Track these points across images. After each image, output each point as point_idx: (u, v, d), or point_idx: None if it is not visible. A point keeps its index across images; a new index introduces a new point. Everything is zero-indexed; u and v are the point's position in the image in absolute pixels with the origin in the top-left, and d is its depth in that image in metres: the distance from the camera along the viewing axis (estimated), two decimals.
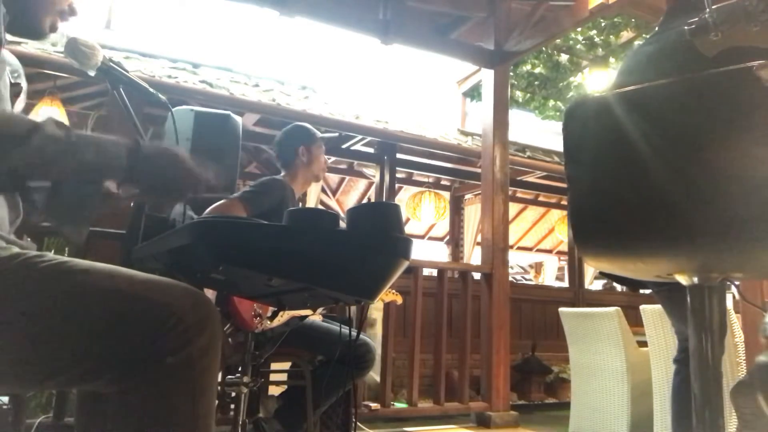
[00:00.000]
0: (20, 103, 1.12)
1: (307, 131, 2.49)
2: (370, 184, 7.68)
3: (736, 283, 1.38)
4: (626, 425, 3.10)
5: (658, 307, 2.64)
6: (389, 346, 3.56)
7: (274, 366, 2.40)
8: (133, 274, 0.88)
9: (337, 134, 5.66)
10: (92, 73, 1.27)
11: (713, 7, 0.79)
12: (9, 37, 1.03)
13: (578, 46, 6.48)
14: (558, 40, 6.01)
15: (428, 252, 9.10)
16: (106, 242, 2.93)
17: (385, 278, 0.90)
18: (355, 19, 3.99)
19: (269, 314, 1.91)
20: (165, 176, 0.90)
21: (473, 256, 7.41)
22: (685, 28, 0.81)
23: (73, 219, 0.84)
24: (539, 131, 7.92)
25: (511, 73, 6.07)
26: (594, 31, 6.27)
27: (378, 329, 4.13)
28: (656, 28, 1.43)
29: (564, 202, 7.88)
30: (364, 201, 7.96)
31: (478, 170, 4.56)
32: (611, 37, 6.17)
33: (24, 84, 1.12)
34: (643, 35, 5.92)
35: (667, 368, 2.76)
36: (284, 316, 2.03)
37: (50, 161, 0.80)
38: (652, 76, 1.18)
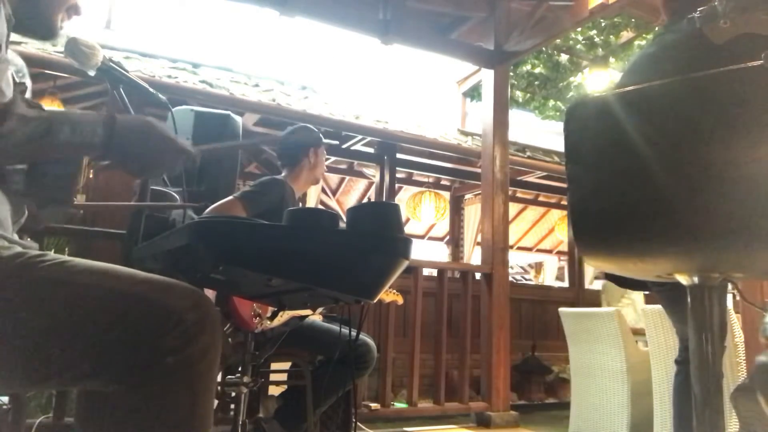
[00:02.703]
0: None
1: (316, 133, 2.49)
2: (370, 184, 7.68)
3: (737, 283, 1.38)
4: (626, 425, 3.10)
5: (658, 307, 2.63)
6: (389, 346, 3.56)
7: (274, 366, 2.40)
8: (134, 274, 0.88)
9: (337, 142, 5.68)
10: (92, 73, 1.27)
11: None
12: (12, 36, 1.03)
13: (578, 46, 6.47)
14: (558, 40, 6.01)
15: (428, 252, 9.10)
16: (106, 242, 2.93)
17: (385, 278, 0.90)
18: (355, 19, 3.99)
19: (269, 314, 1.91)
20: (142, 149, 0.89)
21: (473, 256, 7.41)
22: (695, 15, 0.81)
23: (54, 198, 0.83)
24: (539, 131, 7.92)
25: (511, 73, 6.07)
26: (594, 31, 6.27)
27: None
28: (657, 29, 1.44)
29: (564, 202, 7.87)
30: (364, 201, 7.96)
31: (478, 170, 4.56)
32: (611, 37, 6.17)
33: (29, 83, 1.12)
34: (643, 35, 5.92)
35: (667, 368, 2.76)
36: (284, 316, 2.03)
37: (24, 143, 0.78)
38: (653, 75, 1.18)
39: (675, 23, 1.59)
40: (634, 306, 4.65)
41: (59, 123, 0.81)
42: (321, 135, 2.50)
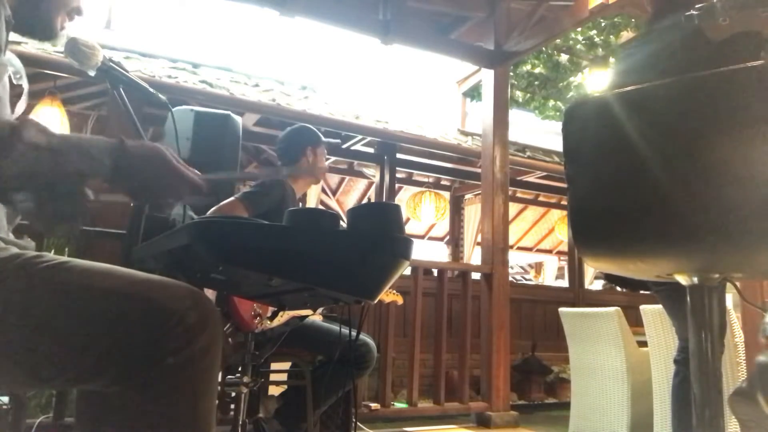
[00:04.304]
0: (21, 104, 1.12)
1: (314, 132, 2.50)
2: (370, 184, 7.68)
3: (736, 283, 1.38)
4: (626, 425, 3.10)
5: (658, 307, 2.63)
6: (389, 346, 3.56)
7: (274, 366, 2.40)
8: (134, 274, 0.88)
9: (339, 141, 5.67)
10: (92, 73, 1.27)
11: None
12: (11, 36, 1.03)
13: (578, 46, 6.47)
14: (558, 40, 6.01)
15: (428, 252, 9.10)
16: (106, 242, 2.93)
17: (385, 278, 0.90)
18: (355, 19, 3.99)
19: (269, 314, 1.91)
20: (149, 178, 0.89)
21: (473, 256, 7.41)
22: (693, 13, 0.81)
23: (61, 221, 0.83)
24: (539, 131, 7.92)
25: (511, 73, 6.06)
26: (594, 31, 6.27)
27: None
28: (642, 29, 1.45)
29: (564, 202, 7.87)
30: (364, 201, 7.96)
31: (478, 170, 4.56)
32: (611, 37, 6.17)
33: (26, 85, 1.12)
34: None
35: (667, 368, 2.76)
36: (284, 316, 2.03)
37: (31, 170, 0.78)
38: (652, 76, 1.18)
39: (659, 19, 1.60)
40: None
41: (67, 152, 0.80)
42: (319, 134, 2.50)
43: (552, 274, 11.26)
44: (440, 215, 7.20)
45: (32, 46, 3.91)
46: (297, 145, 2.44)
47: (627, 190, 0.95)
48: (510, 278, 4.60)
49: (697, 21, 0.79)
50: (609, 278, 1.73)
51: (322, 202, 7.54)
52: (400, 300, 2.56)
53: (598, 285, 7.94)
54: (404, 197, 7.71)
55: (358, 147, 6.21)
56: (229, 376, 1.84)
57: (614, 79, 1.69)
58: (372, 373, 3.07)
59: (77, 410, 0.95)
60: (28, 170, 0.78)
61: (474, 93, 7.42)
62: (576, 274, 6.72)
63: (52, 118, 4.23)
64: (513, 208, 8.19)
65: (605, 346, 3.27)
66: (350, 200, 8.42)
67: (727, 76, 0.83)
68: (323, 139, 2.49)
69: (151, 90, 1.37)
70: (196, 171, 0.94)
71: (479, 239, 4.69)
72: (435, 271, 4.05)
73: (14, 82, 1.05)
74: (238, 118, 2.12)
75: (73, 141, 0.82)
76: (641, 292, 1.89)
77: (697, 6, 0.81)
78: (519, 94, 7.05)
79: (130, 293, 0.85)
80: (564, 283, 9.28)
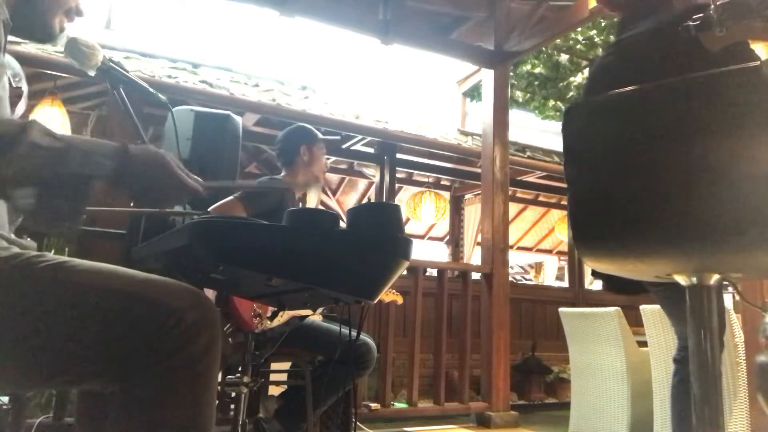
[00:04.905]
0: (21, 106, 1.12)
1: (309, 131, 2.50)
2: (370, 184, 7.68)
3: (736, 283, 1.38)
4: (626, 425, 3.10)
5: (658, 307, 2.63)
6: (389, 346, 3.57)
7: (274, 366, 2.40)
8: (134, 274, 0.88)
9: (339, 137, 5.67)
10: (92, 73, 1.27)
11: (719, 3, 0.79)
12: (11, 37, 1.03)
13: (578, 46, 6.48)
14: (558, 40, 6.01)
15: (428, 252, 9.10)
16: (106, 242, 2.93)
17: (385, 278, 0.90)
18: (355, 19, 3.99)
19: (269, 314, 1.91)
20: (151, 182, 0.89)
21: (473, 256, 7.41)
22: (690, 24, 0.81)
23: (62, 221, 0.83)
24: (539, 131, 7.92)
25: (511, 73, 6.06)
26: (594, 31, 6.27)
27: None
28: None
29: (564, 202, 7.87)
30: (364, 201, 7.96)
31: (478, 170, 4.56)
32: (611, 37, 6.16)
33: (25, 87, 1.12)
34: None
35: (667, 368, 2.75)
36: (284, 316, 2.03)
37: (36, 170, 0.79)
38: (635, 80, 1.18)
39: (633, 22, 1.60)
40: None
41: (71, 154, 0.81)
42: (315, 132, 2.50)
43: (552, 274, 11.26)
44: (440, 215, 7.20)
45: (32, 47, 3.91)
46: (292, 144, 2.44)
47: (627, 191, 0.95)
48: (510, 278, 4.60)
49: (694, 32, 0.80)
50: (607, 285, 1.72)
51: (322, 202, 7.54)
52: (400, 300, 2.56)
53: (598, 285, 7.93)
54: (404, 197, 7.71)
55: (358, 147, 6.21)
56: (229, 376, 1.84)
57: (592, 85, 1.69)
58: (372, 373, 3.07)
59: (77, 410, 0.95)
60: (33, 169, 0.78)
61: (474, 93, 7.41)
62: (576, 274, 6.72)
63: (53, 118, 4.23)
64: (513, 208, 8.19)
65: (605, 346, 3.27)
66: (350, 200, 8.42)
67: (726, 76, 0.83)
68: (319, 136, 2.49)
69: (151, 90, 1.37)
70: (197, 177, 0.95)
71: (479, 239, 4.69)
72: (435, 271, 4.05)
73: (13, 84, 1.05)
74: (238, 118, 2.11)
75: (78, 144, 0.82)
76: (641, 295, 1.88)
77: (694, 17, 0.81)
78: (519, 94, 7.05)
79: (131, 293, 0.85)
80: (564, 283, 9.29)
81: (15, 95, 1.06)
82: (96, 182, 0.84)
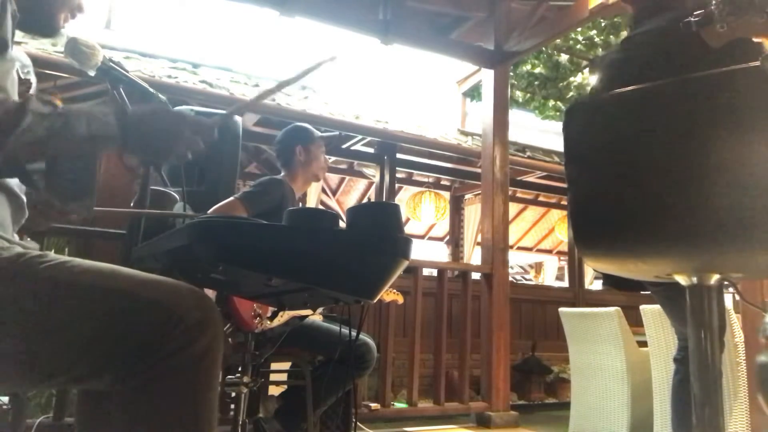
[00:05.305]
0: None
1: (305, 130, 2.50)
2: (370, 184, 7.68)
3: (736, 283, 1.38)
4: (626, 425, 3.10)
5: (658, 307, 2.63)
6: (389, 346, 3.57)
7: (274, 366, 2.40)
8: (134, 274, 0.88)
9: (337, 133, 5.66)
10: (92, 73, 1.27)
11: None
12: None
13: (578, 46, 6.47)
14: (558, 40, 6.01)
15: (428, 252, 9.10)
16: (106, 242, 2.93)
17: (385, 278, 0.90)
18: (355, 19, 3.99)
19: (269, 314, 1.91)
20: (158, 129, 0.88)
21: (473, 256, 7.41)
22: (691, 20, 0.81)
23: (75, 194, 0.82)
24: (539, 131, 7.92)
25: (511, 73, 6.06)
26: (594, 31, 6.27)
27: None
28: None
29: (564, 202, 7.87)
30: (364, 201, 7.96)
31: (478, 170, 4.56)
32: (611, 37, 6.17)
33: (34, 80, 1.12)
34: None
35: (667, 368, 2.76)
36: (284, 316, 2.03)
37: (43, 138, 0.78)
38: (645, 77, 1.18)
39: (642, 21, 1.59)
40: None
41: (75, 116, 0.81)
42: (312, 131, 2.49)
43: (552, 274, 11.26)
44: (440, 215, 7.20)
45: (33, 46, 3.91)
46: (288, 145, 2.44)
47: (626, 191, 0.95)
48: (510, 278, 4.59)
49: (695, 28, 0.79)
50: (606, 281, 1.72)
51: (322, 202, 7.53)
52: (400, 299, 2.56)
53: (598, 285, 7.94)
54: (404, 197, 7.71)
55: (358, 147, 6.21)
56: (229, 376, 1.84)
57: (602, 83, 1.69)
58: (372, 373, 3.07)
59: (77, 410, 0.95)
60: (42, 136, 0.78)
61: (474, 93, 7.42)
62: (576, 274, 6.72)
63: None
64: (513, 208, 8.19)
65: (605, 346, 3.27)
66: (350, 200, 8.42)
67: (727, 77, 0.83)
68: (316, 135, 2.48)
69: (151, 90, 1.37)
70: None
71: (479, 239, 4.69)
72: (435, 271, 4.05)
73: (22, 76, 1.05)
74: (238, 118, 2.11)
75: (78, 109, 0.82)
76: (641, 292, 1.88)
77: (695, 12, 0.81)
78: (519, 94, 7.05)
79: (132, 293, 0.85)
80: (564, 283, 9.28)
81: (24, 88, 1.06)
82: (105, 144, 0.83)
